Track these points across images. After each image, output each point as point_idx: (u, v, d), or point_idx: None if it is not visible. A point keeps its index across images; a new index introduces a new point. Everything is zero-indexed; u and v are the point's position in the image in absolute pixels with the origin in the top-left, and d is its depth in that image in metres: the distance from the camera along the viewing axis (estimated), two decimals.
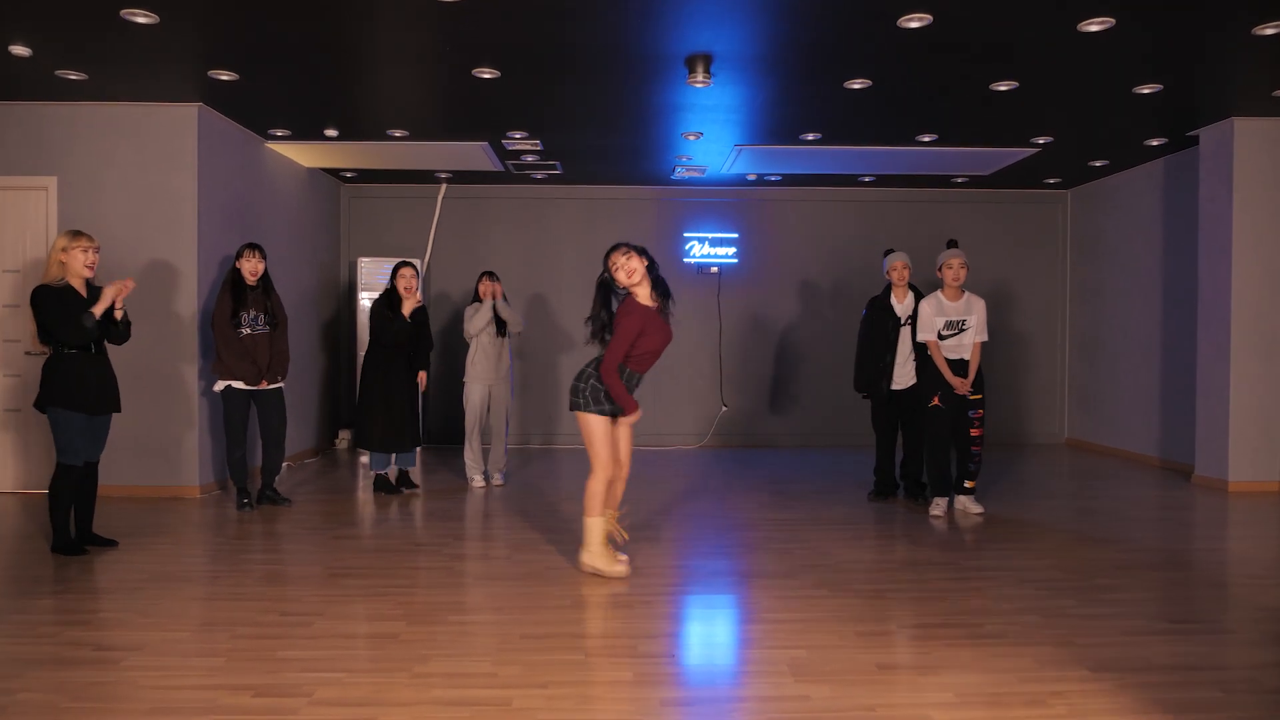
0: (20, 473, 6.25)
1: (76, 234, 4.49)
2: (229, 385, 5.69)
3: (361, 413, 6.26)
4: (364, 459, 7.79)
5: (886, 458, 6.18)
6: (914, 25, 4.56)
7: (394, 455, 6.36)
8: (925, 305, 5.58)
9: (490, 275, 6.61)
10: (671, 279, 9.14)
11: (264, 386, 5.74)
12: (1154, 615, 3.62)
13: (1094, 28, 4.59)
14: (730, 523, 5.46)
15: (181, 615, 3.61)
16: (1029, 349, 9.39)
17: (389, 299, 6.21)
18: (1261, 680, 2.95)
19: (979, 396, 5.58)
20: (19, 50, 4.99)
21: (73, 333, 4.39)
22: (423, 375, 6.42)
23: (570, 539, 4.91)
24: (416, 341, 6.32)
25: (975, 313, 5.54)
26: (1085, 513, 5.76)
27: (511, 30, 4.70)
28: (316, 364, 8.39)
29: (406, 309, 6.17)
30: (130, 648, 3.21)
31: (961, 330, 5.50)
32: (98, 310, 4.42)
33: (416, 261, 6.57)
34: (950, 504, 5.72)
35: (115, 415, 4.78)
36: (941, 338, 5.53)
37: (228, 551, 4.71)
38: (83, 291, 4.50)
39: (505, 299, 6.59)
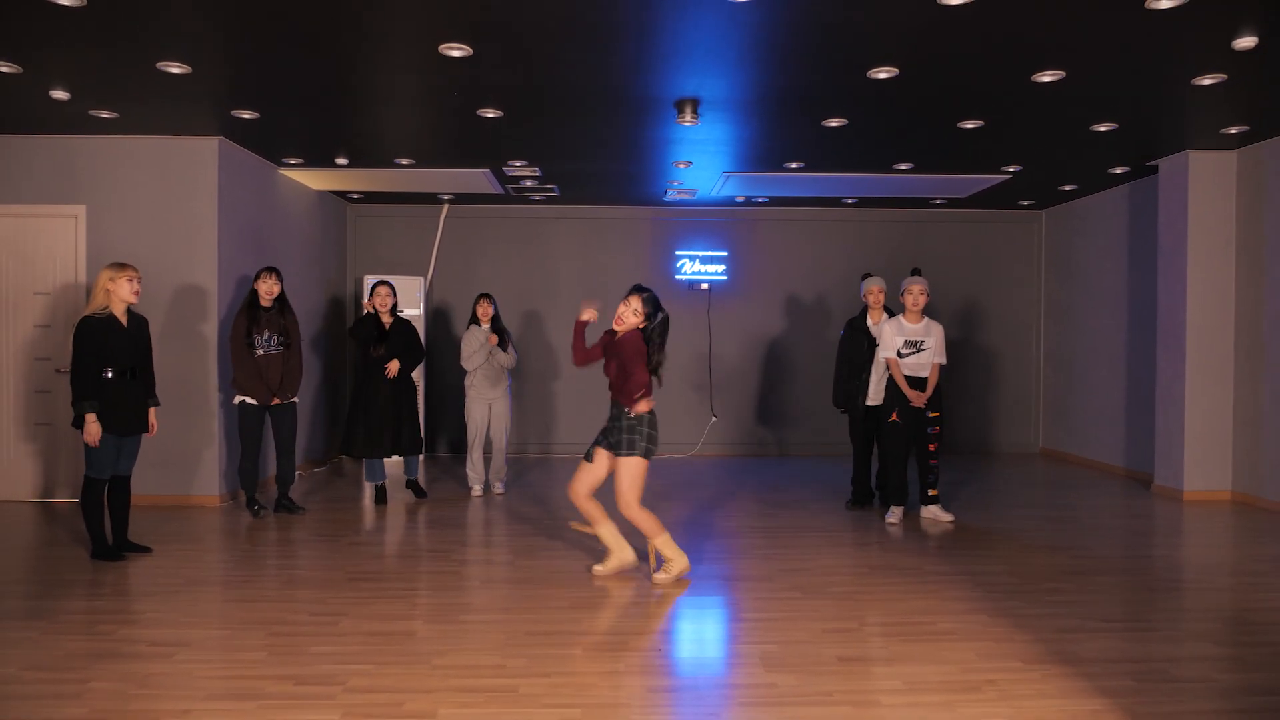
0: (46, 483, 6.65)
1: (122, 265, 4.91)
2: (244, 400, 6.09)
3: (349, 422, 6.66)
4: (364, 469, 8.19)
5: (863, 469, 6.61)
6: (882, 76, 5.00)
7: (382, 464, 6.72)
8: (887, 326, 6.06)
9: (487, 297, 7.00)
10: (664, 295, 9.57)
11: (275, 403, 6.14)
12: (1089, 615, 4.05)
13: (1047, 78, 5.03)
14: (717, 530, 5.88)
15: (219, 615, 4.03)
16: (1005, 362, 9.84)
17: (368, 315, 6.66)
18: (1170, 671, 3.38)
19: (936, 414, 6.02)
20: (58, 95, 5.40)
21: (77, 388, 4.76)
22: (394, 364, 6.51)
23: (566, 543, 5.33)
24: (404, 351, 6.62)
25: (934, 336, 6.00)
26: (1047, 521, 6.19)
27: (514, 77, 5.12)
28: (321, 377, 8.79)
29: (382, 317, 6.61)
30: (179, 644, 3.62)
31: (920, 350, 5.96)
32: (89, 419, 4.75)
33: (392, 280, 6.95)
34: (906, 514, 6.18)
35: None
36: (901, 356, 5.98)
37: (253, 557, 5.12)
38: (123, 320, 4.91)
39: (503, 340, 6.91)
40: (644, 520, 4.58)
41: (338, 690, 3.15)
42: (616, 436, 4.57)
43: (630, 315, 4.59)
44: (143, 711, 2.98)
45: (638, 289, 4.65)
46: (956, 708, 3.03)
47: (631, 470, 4.51)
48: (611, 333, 4.69)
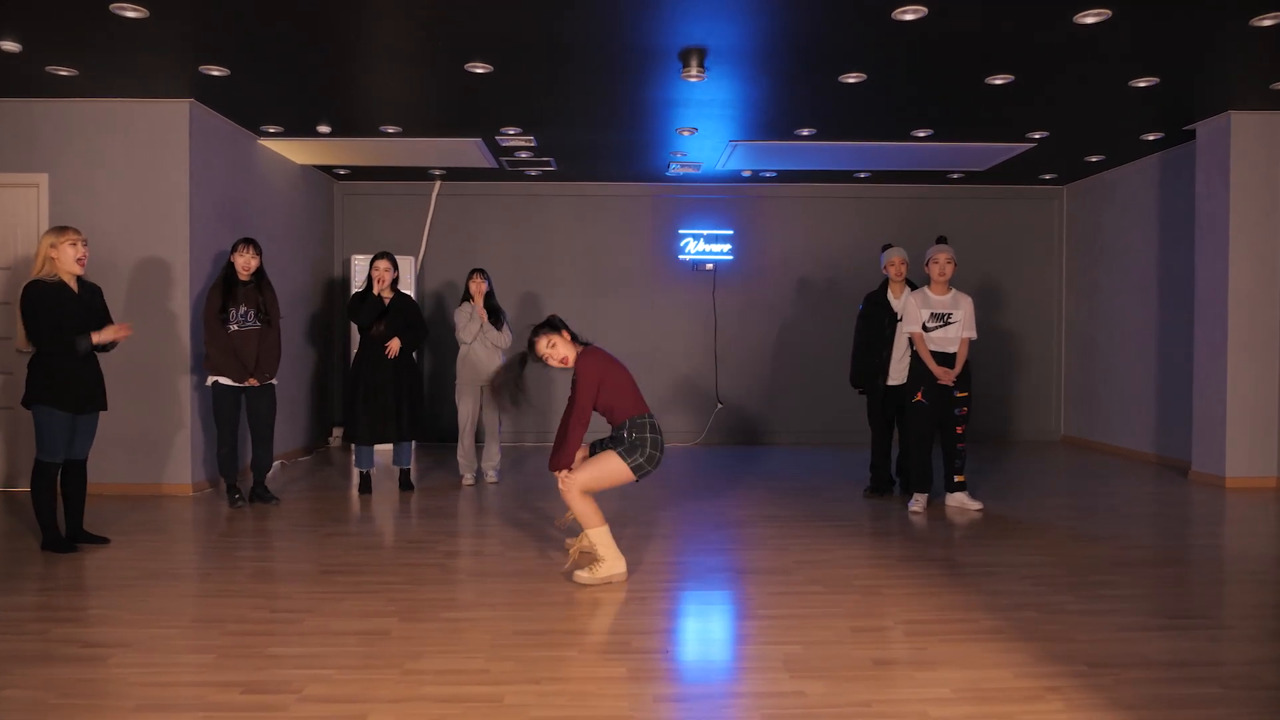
0: (9, 471, 6.20)
1: (63, 229, 4.43)
2: (217, 381, 5.65)
3: (348, 407, 6.22)
4: (353, 456, 7.75)
5: (882, 454, 6.16)
6: (909, 17, 4.53)
7: (379, 452, 6.25)
8: (911, 298, 5.59)
9: (480, 273, 6.57)
10: (666, 276, 9.26)
11: (252, 384, 5.68)
12: (1151, 611, 3.60)
13: (1090, 19, 4.56)
14: (725, 519, 5.43)
15: (171, 612, 3.58)
16: (1024, 345, 9.38)
17: (364, 290, 6.19)
18: (1258, 676, 2.92)
19: (965, 394, 5.56)
20: (8, 45, 4.95)
21: (57, 344, 4.35)
22: (394, 342, 6.05)
23: (563, 535, 4.88)
24: (405, 329, 6.16)
25: (962, 308, 5.53)
26: (1081, 509, 5.74)
27: (504, 23, 4.67)
28: (308, 362, 8.35)
29: (382, 295, 6.10)
30: (119, 644, 3.17)
31: (947, 323, 5.49)
32: (97, 338, 4.41)
33: (394, 255, 6.40)
34: (930, 501, 5.74)
35: (105, 413, 4.75)
36: (926, 329, 5.51)
37: (219, 549, 4.67)
38: (74, 286, 4.46)
39: (498, 319, 6.51)
40: (583, 509, 3.99)
41: (291, 699, 2.70)
42: (618, 437, 4.13)
43: (552, 350, 4.12)
44: None
45: (538, 332, 4.17)
46: (1020, 719, 2.58)
47: (611, 468, 4.00)
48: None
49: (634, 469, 4.01)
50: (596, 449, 4.22)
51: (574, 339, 4.20)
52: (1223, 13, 4.52)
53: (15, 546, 4.66)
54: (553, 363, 4.16)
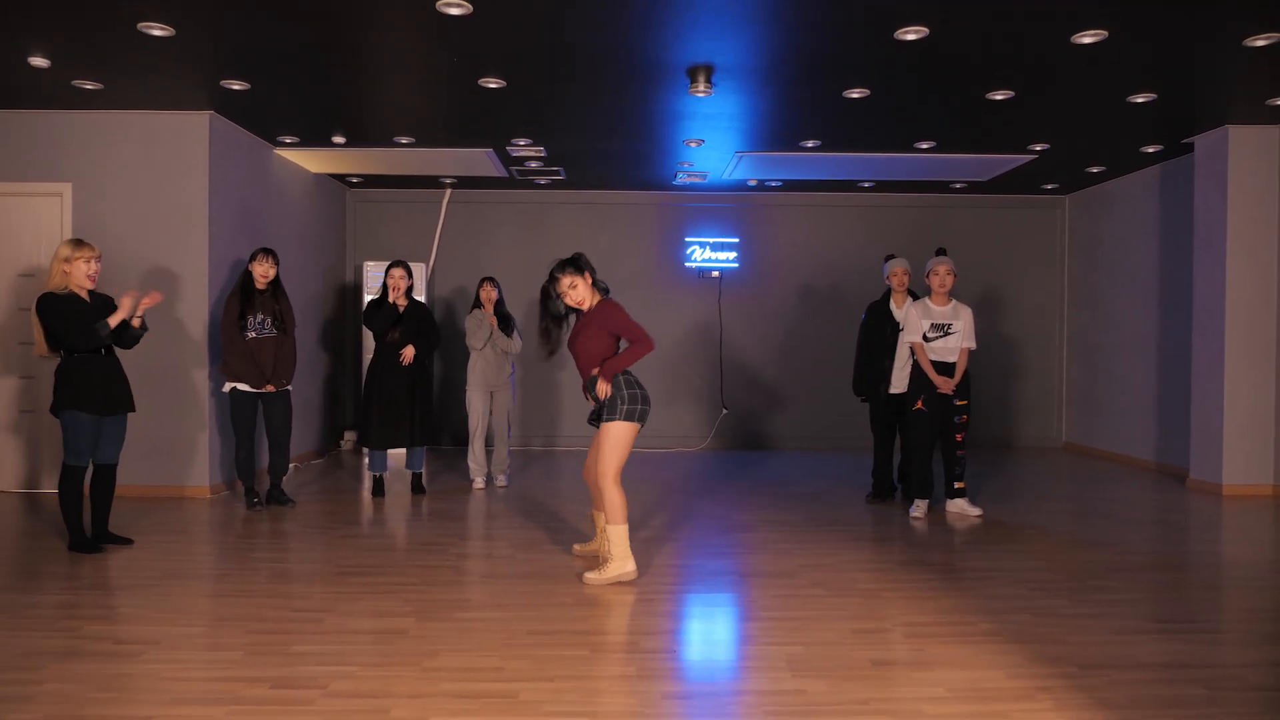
0: (28, 473, 6.36)
1: (79, 243, 4.57)
2: (235, 387, 5.79)
3: (362, 412, 6.36)
4: (366, 459, 7.90)
5: (885, 460, 6.28)
6: (910, 38, 4.66)
7: (392, 456, 6.37)
8: (912, 309, 5.71)
9: (490, 280, 6.70)
10: (673, 283, 9.37)
11: (269, 390, 5.83)
12: (1144, 615, 3.71)
13: (1087, 40, 4.68)
14: (730, 524, 5.55)
15: (196, 611, 3.72)
16: (1027, 353, 9.49)
17: (380, 297, 6.33)
18: (1247, 678, 3.04)
19: (964, 402, 5.67)
20: (38, 61, 5.10)
21: (82, 339, 4.49)
22: (409, 350, 6.20)
23: (572, 538, 5.02)
24: (418, 336, 6.30)
25: (962, 319, 5.65)
26: (1080, 516, 5.85)
27: (517, 42, 4.81)
28: (321, 367, 8.50)
29: (397, 302, 6.23)
30: (149, 641, 3.31)
31: (947, 333, 5.61)
32: (113, 321, 4.53)
33: (408, 263, 6.51)
34: (930, 507, 5.85)
35: (130, 416, 4.88)
36: (927, 339, 5.63)
37: (238, 550, 4.82)
38: (85, 297, 4.60)
39: (508, 325, 6.62)
40: (614, 500, 4.09)
41: (317, 694, 2.84)
42: (601, 405, 4.21)
43: (573, 290, 4.20)
44: (98, 717, 2.67)
45: (564, 269, 4.21)
46: (1011, 717, 2.70)
47: (614, 434, 4.11)
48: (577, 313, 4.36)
49: (626, 417, 4.10)
50: (595, 423, 4.31)
51: (594, 283, 4.26)
52: (1215, 33, 4.63)
53: (43, 546, 4.81)
54: (569, 301, 4.21)
